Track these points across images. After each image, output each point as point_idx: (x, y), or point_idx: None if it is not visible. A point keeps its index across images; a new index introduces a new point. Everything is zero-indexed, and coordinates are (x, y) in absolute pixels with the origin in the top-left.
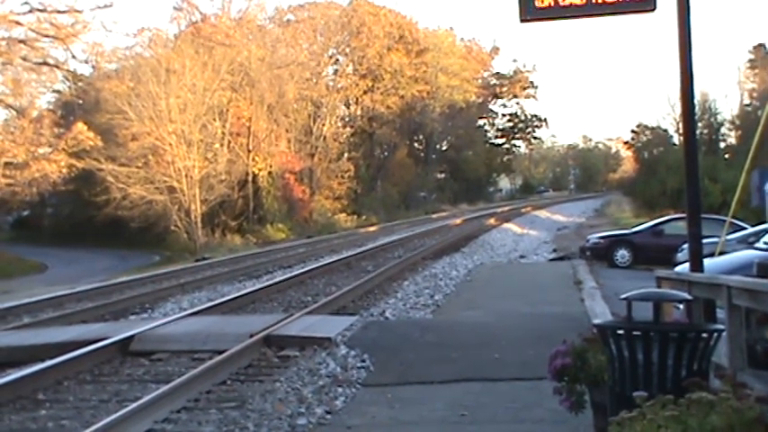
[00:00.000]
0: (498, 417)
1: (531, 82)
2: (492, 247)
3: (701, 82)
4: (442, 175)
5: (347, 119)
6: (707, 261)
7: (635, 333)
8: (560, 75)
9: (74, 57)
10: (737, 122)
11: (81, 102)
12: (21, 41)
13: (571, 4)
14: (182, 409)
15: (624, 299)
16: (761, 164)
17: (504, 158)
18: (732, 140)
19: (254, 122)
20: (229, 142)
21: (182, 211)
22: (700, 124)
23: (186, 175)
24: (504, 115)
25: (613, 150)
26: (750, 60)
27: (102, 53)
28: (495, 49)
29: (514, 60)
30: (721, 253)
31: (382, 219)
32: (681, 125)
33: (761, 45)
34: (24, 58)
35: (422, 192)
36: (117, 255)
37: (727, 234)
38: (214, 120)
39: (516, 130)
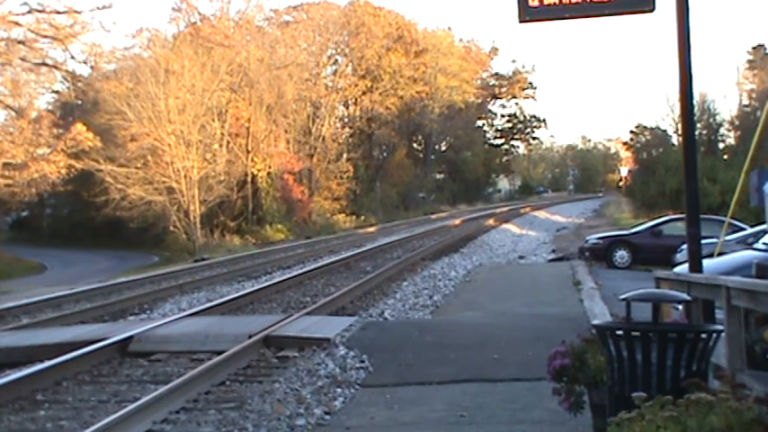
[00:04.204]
0: (497, 417)
1: (530, 82)
2: (491, 247)
3: (700, 82)
4: (441, 176)
5: (346, 119)
6: (706, 262)
7: (634, 334)
8: (559, 75)
9: (73, 57)
10: (736, 123)
11: (80, 102)
12: (20, 42)
13: (570, 4)
14: (181, 409)
15: (623, 299)
16: (760, 164)
17: (503, 159)
18: (731, 141)
19: (252, 123)
20: (228, 143)
21: (181, 212)
22: (699, 125)
23: (185, 176)
24: (502, 116)
25: (612, 151)
26: (749, 61)
27: (100, 54)
28: (494, 50)
29: (513, 61)
30: (720, 254)
31: (381, 219)
32: (680, 126)
33: (760, 46)
34: (23, 59)
35: (421, 192)
36: (116, 255)
37: (726, 235)
38: (213, 120)
39: (515, 131)
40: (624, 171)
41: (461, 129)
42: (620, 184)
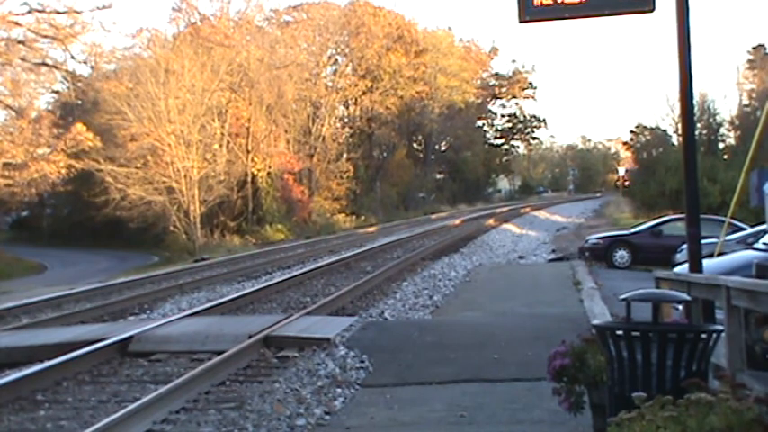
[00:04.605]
0: (497, 417)
1: (530, 82)
2: (491, 247)
3: (700, 82)
4: (441, 176)
5: (346, 119)
6: (706, 262)
7: (634, 334)
8: (559, 75)
9: (73, 57)
10: (736, 123)
11: (80, 102)
12: (20, 42)
13: (570, 4)
14: (181, 409)
15: (623, 299)
16: (760, 164)
17: (503, 159)
18: (731, 141)
19: (252, 123)
20: (228, 143)
21: (181, 212)
22: (699, 125)
23: (185, 176)
24: (502, 116)
25: (612, 151)
26: (749, 61)
27: (100, 54)
28: (494, 50)
29: (513, 61)
30: (720, 254)
31: (381, 219)
32: (680, 126)
33: (760, 46)
34: (23, 59)
35: (421, 192)
36: (116, 255)
37: (726, 235)
38: (213, 120)
39: (515, 131)
40: (622, 171)
41: (461, 129)
42: (617, 183)
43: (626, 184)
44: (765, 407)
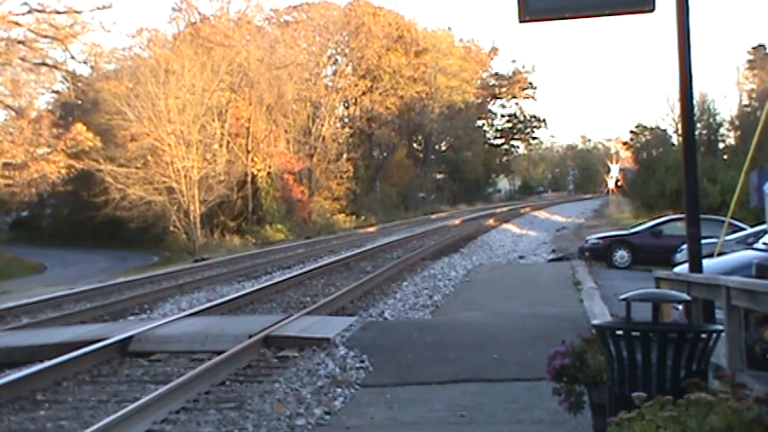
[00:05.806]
0: (497, 417)
1: (530, 82)
2: (491, 247)
3: (699, 82)
4: (441, 176)
5: (346, 119)
6: (706, 262)
7: (634, 334)
8: (559, 75)
9: (72, 57)
10: (736, 123)
11: (80, 102)
12: (20, 42)
13: (570, 4)
14: (181, 409)
15: (623, 299)
16: (760, 164)
17: (503, 159)
18: (731, 141)
19: (252, 123)
20: (228, 143)
21: (181, 212)
22: (699, 125)
23: (185, 176)
24: (502, 116)
25: (612, 151)
26: (749, 61)
27: (100, 54)
28: (494, 50)
29: (513, 61)
30: (720, 254)
31: (381, 219)
32: (680, 126)
33: (760, 46)
34: (23, 59)
35: (421, 192)
36: (116, 255)
37: (726, 235)
38: (213, 120)
39: (515, 131)
40: (616, 170)
41: (461, 129)
42: (612, 185)
43: (619, 185)
44: (765, 407)
